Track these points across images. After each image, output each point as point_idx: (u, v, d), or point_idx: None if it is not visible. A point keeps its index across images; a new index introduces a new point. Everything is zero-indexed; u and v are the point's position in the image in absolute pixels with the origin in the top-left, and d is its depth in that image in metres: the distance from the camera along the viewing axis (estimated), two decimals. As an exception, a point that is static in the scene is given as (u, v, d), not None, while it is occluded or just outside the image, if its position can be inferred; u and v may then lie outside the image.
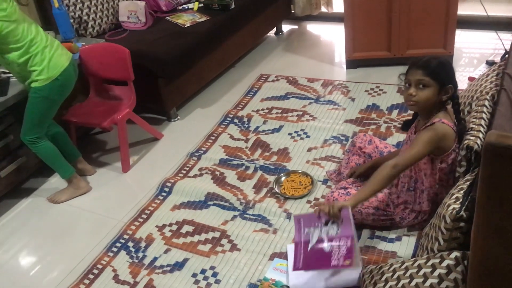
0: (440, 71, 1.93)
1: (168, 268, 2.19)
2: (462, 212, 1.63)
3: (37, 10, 3.24)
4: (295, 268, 1.88)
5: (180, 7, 3.67)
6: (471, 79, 3.21)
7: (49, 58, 2.43)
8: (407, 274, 1.68)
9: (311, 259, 1.87)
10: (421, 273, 1.64)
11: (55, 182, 2.85)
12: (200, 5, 3.63)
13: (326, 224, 1.90)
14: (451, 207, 1.67)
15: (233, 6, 3.54)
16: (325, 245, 1.86)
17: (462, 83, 3.13)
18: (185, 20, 3.41)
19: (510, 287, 1.34)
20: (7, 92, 2.56)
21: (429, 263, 1.66)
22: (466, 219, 1.63)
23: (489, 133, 1.26)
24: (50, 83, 2.45)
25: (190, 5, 3.66)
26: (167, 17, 3.51)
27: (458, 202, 1.67)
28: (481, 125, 2.03)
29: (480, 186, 1.31)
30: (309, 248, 1.89)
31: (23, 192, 2.82)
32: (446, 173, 2.01)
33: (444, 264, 1.61)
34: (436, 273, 1.61)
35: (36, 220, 2.63)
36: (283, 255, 2.15)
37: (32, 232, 2.56)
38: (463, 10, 3.49)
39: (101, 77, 2.97)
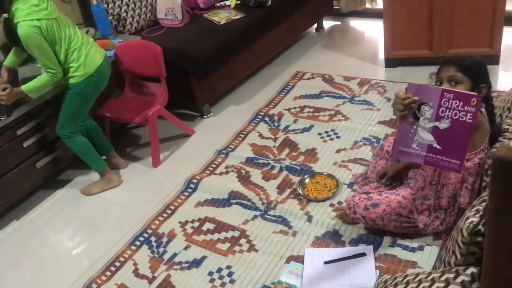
0: (474, 68, 1.85)
1: (186, 265, 2.22)
2: (480, 226, 1.53)
3: (79, 7, 3.36)
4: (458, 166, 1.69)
5: (217, 4, 3.68)
6: (518, 80, 3.01)
7: (85, 55, 2.52)
8: (420, 287, 1.61)
9: (450, 144, 1.71)
10: (433, 287, 1.57)
11: (89, 174, 2.95)
12: (237, 2, 3.62)
13: (417, 118, 1.74)
14: (469, 220, 1.58)
15: (269, 3, 3.51)
16: (442, 124, 1.70)
17: (509, 86, 2.94)
18: (220, 17, 3.42)
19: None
20: (44, 87, 2.68)
21: (443, 277, 1.58)
22: (485, 234, 1.54)
23: (499, 146, 1.17)
24: (86, 79, 2.54)
25: (227, 2, 3.66)
26: (204, 14, 3.53)
27: (477, 215, 1.58)
28: (514, 131, 1.91)
29: (490, 202, 1.23)
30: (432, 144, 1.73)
31: (58, 183, 2.95)
32: (471, 174, 1.91)
33: (459, 280, 1.53)
34: (449, 289, 1.53)
35: (68, 211, 2.74)
36: (300, 259, 2.12)
37: (64, 222, 2.67)
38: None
39: (135, 74, 3.04)
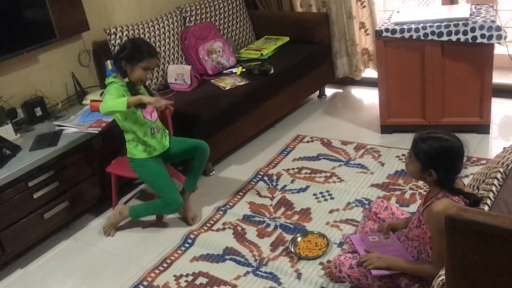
0: (424, 153, 1.92)
1: (177, 318, 2.30)
2: (449, 284, 1.62)
3: (96, 71, 3.65)
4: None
5: (225, 71, 3.95)
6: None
7: None
8: None
9: None
10: None
11: (85, 232, 3.10)
12: (243, 70, 3.89)
13: None
14: (440, 278, 1.67)
15: (272, 71, 3.76)
16: None
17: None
18: (226, 83, 3.67)
19: None
20: (57, 143, 2.89)
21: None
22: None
23: (452, 206, 1.30)
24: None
25: (234, 70, 3.93)
26: (212, 80, 3.79)
27: (448, 274, 1.67)
28: (488, 197, 2.01)
29: (445, 258, 1.34)
30: None
31: (62, 235, 3.09)
32: None
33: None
34: None
35: (70, 261, 2.85)
36: (286, 315, 2.19)
37: (66, 272, 2.78)
38: (502, 79, 3.47)
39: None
